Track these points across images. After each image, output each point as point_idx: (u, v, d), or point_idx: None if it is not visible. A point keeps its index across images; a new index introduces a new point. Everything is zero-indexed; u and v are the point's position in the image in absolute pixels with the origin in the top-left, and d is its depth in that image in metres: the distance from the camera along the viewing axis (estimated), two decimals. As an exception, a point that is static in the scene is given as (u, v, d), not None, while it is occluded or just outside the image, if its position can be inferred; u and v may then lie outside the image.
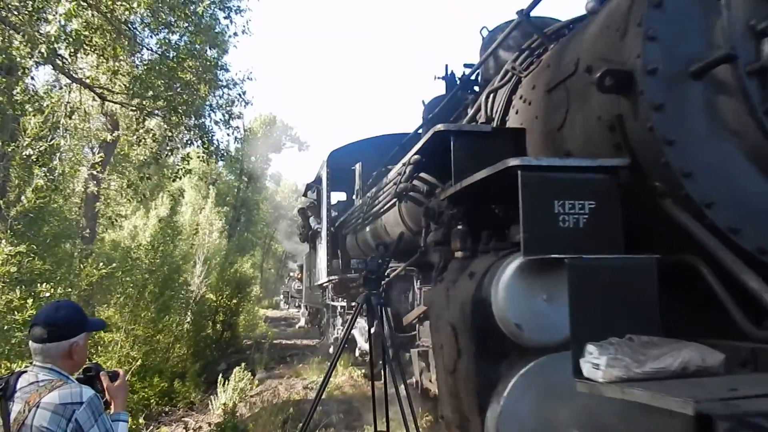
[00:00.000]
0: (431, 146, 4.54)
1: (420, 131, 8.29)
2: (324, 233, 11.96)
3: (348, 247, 10.21)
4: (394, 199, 6.12)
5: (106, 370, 2.99)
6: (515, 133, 4.26)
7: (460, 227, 3.87)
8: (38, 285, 6.39)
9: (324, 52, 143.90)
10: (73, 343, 2.67)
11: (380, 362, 5.74)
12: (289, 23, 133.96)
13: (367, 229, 8.17)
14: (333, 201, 12.70)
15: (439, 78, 7.54)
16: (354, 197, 11.62)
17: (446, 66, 7.53)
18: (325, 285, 12.58)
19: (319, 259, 13.00)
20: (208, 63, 11.89)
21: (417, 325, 6.00)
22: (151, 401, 9.46)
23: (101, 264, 8.95)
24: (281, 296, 45.19)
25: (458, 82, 7.11)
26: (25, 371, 2.63)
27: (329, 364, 5.19)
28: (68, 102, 9.53)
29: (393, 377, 4.80)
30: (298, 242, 45.11)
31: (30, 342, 2.66)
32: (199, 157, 12.71)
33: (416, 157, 5.08)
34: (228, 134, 12.96)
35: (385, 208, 6.78)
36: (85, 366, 2.91)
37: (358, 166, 10.26)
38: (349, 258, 10.53)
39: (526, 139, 4.17)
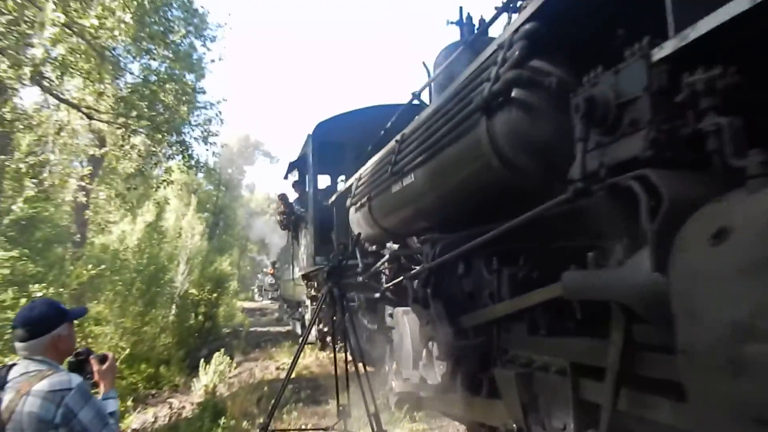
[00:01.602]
0: None
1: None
2: (310, 217, 9.38)
3: (376, 213, 5.30)
4: (476, 115, 2.97)
5: (96, 353, 2.83)
6: None
7: None
8: (30, 285, 6.03)
9: (289, 64, 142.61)
10: (55, 336, 2.50)
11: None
12: (257, 37, 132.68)
13: (406, 181, 4.19)
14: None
15: (451, 23, 5.52)
16: (341, 180, 9.57)
17: (461, 9, 5.61)
18: (312, 275, 9.74)
19: (303, 247, 10.40)
20: (187, 87, 11.57)
21: (496, 329, 3.29)
22: (139, 385, 9.17)
23: (90, 266, 8.56)
24: (255, 289, 44.60)
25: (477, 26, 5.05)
26: (16, 363, 2.46)
27: (297, 348, 5.02)
28: (57, 120, 9.11)
29: (353, 358, 4.66)
30: (268, 237, 44.84)
31: (15, 343, 2.49)
32: (180, 169, 12.35)
33: (531, 25, 2.63)
34: (206, 149, 12.62)
35: (454, 134, 3.28)
36: (76, 350, 2.76)
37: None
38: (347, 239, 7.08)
39: None
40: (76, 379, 2.42)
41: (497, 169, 2.89)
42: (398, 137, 4.53)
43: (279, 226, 13.71)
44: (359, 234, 5.71)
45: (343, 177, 9.44)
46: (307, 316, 11.60)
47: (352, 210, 5.94)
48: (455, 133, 3.26)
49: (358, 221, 5.80)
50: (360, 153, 7.25)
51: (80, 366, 2.72)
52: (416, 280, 4.15)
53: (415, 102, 5.95)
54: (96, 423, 2.42)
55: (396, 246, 5.37)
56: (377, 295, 6.04)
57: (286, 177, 12.06)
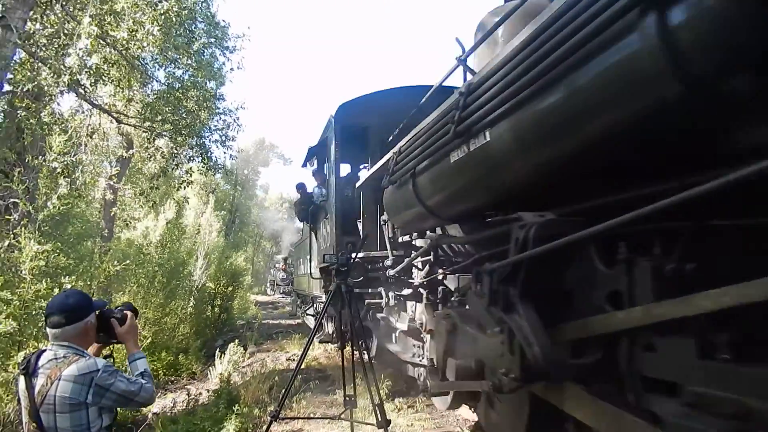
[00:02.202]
0: None
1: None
2: (332, 206, 8.05)
3: (422, 191, 4.08)
4: (633, 13, 1.74)
5: (114, 310, 2.80)
6: None
7: None
8: (62, 278, 6.13)
9: (305, 66, 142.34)
10: (87, 322, 2.56)
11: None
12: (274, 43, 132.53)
13: (475, 143, 3.03)
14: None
15: None
16: (364, 167, 8.33)
17: None
18: (332, 268, 8.31)
19: (323, 239, 9.08)
20: (208, 93, 11.69)
21: (627, 345, 2.15)
22: (160, 372, 9.25)
23: (116, 261, 8.67)
24: (268, 284, 44.63)
25: None
26: (45, 350, 2.51)
27: (307, 340, 5.07)
28: (89, 124, 9.26)
29: (359, 351, 4.71)
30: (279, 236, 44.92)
31: (48, 329, 2.50)
32: (199, 170, 12.47)
33: None
34: (224, 152, 12.67)
35: (580, 54, 2.03)
36: (96, 314, 2.70)
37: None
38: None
39: None
40: (100, 361, 2.47)
41: (673, 97, 1.72)
42: (462, 88, 3.19)
43: (297, 217, 11.99)
44: (366, 235, 5.46)
45: (366, 165, 8.28)
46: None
47: (388, 190, 4.75)
48: (583, 53, 2.02)
49: (395, 203, 4.69)
50: (385, 138, 6.35)
51: (104, 327, 2.70)
52: (487, 277, 2.79)
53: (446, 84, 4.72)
54: (131, 388, 2.50)
55: (434, 234, 4.51)
56: (408, 291, 5.35)
57: (304, 164, 10.77)
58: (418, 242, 4.88)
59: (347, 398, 4.74)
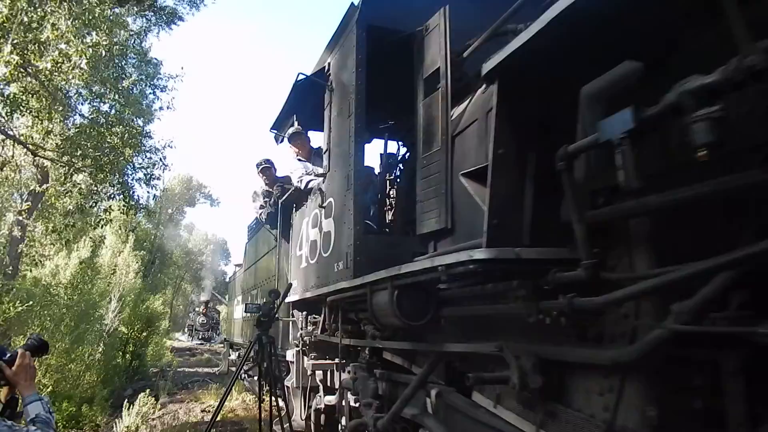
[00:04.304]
0: None
1: None
2: (344, 179, 4.07)
3: None
4: None
5: (5, 351, 2.52)
6: None
7: None
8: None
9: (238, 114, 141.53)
10: None
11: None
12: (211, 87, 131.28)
13: None
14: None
15: None
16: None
17: None
18: (333, 299, 4.23)
19: (306, 247, 5.01)
20: (135, 131, 11.34)
21: None
22: (59, 425, 8.55)
23: (18, 302, 8.08)
24: (186, 329, 42.46)
25: None
26: None
27: (225, 389, 4.90)
28: (1, 155, 8.76)
29: (277, 403, 4.61)
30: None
31: None
32: (119, 209, 11.97)
33: None
34: (148, 192, 12.24)
35: None
36: None
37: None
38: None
39: None
40: None
41: None
42: None
43: (259, 217, 7.71)
44: (290, 285, 4.84)
45: (398, 139, 4.86)
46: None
47: None
48: None
49: None
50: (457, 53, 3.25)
51: None
52: None
53: None
54: None
55: None
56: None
57: (275, 128, 6.13)
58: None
59: (263, 453, 4.59)
